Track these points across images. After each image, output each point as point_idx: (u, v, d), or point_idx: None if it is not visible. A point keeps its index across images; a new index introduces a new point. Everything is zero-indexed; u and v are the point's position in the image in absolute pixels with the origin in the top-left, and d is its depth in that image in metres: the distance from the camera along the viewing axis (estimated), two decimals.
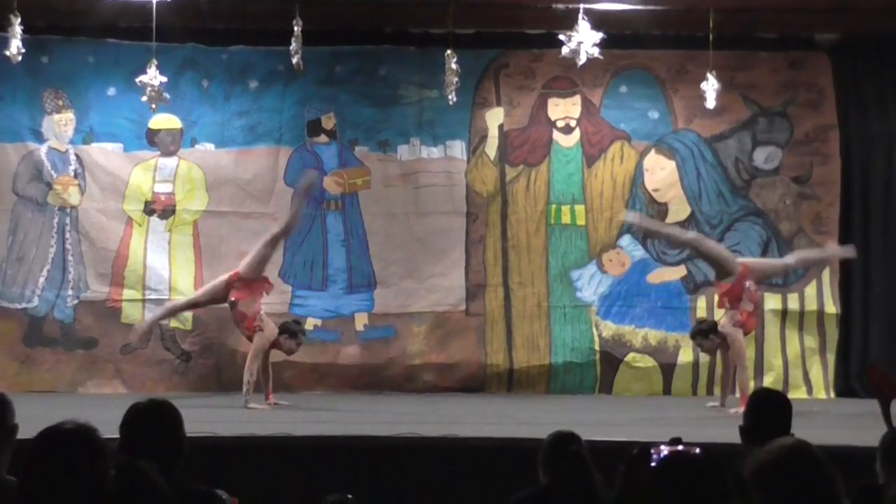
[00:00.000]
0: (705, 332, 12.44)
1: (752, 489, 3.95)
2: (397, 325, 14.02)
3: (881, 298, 14.16)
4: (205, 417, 9.90)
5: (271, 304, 13.82)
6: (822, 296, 13.94)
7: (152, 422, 4.65)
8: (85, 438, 3.80)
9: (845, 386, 13.61)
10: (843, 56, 14.28)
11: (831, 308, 13.93)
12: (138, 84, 12.24)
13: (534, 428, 8.68)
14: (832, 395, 13.75)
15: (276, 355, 12.55)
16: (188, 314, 13.62)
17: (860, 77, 14.32)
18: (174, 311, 13.16)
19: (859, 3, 13.32)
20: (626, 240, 14.17)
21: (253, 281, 12.38)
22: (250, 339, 12.28)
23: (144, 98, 12.23)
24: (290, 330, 12.40)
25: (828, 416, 11.51)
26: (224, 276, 12.54)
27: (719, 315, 12.52)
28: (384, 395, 13.52)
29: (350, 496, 5.43)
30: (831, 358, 13.91)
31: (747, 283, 12.14)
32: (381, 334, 14.02)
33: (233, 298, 12.33)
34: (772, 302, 13.97)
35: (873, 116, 14.35)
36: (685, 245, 13.39)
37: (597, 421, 10.65)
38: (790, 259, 13.03)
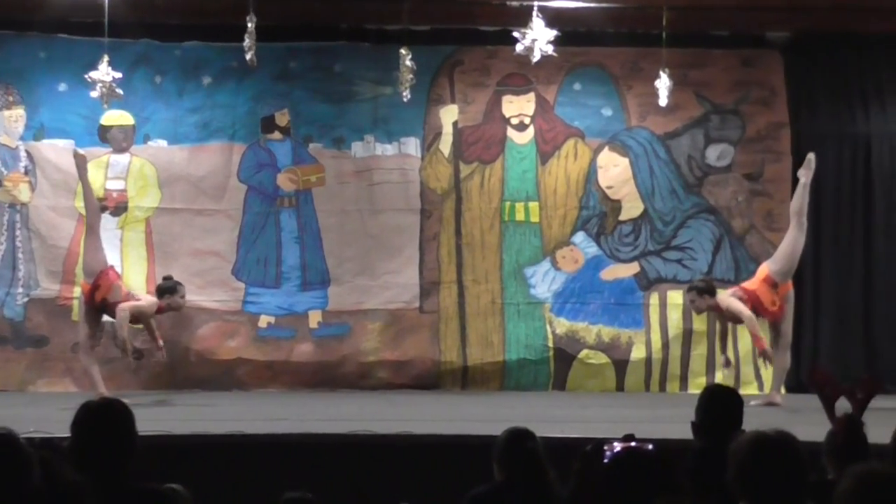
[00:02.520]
0: (701, 290, 12.69)
1: (734, 470, 4.01)
2: (351, 323, 14.01)
3: (831, 295, 14.27)
4: (158, 416, 9.88)
5: (224, 301, 13.82)
6: None
7: (104, 421, 4.62)
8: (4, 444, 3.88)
9: (796, 382, 13.70)
10: (794, 54, 14.38)
11: None
12: (88, 80, 12.15)
13: (488, 425, 8.69)
14: (783, 390, 13.82)
15: (234, 353, 12.49)
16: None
17: (811, 75, 14.43)
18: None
19: (810, 1, 13.42)
20: (579, 237, 14.21)
21: (101, 273, 12.33)
22: (137, 321, 12.42)
23: (95, 94, 12.15)
24: (167, 288, 12.51)
25: (778, 412, 11.60)
26: (82, 298, 12.53)
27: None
28: (338, 393, 13.51)
29: (310, 494, 5.44)
30: None
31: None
32: (335, 331, 14.01)
33: (99, 299, 12.29)
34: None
35: (824, 114, 14.45)
36: None
37: (551, 417, 10.69)
38: (794, 220, 12.77)
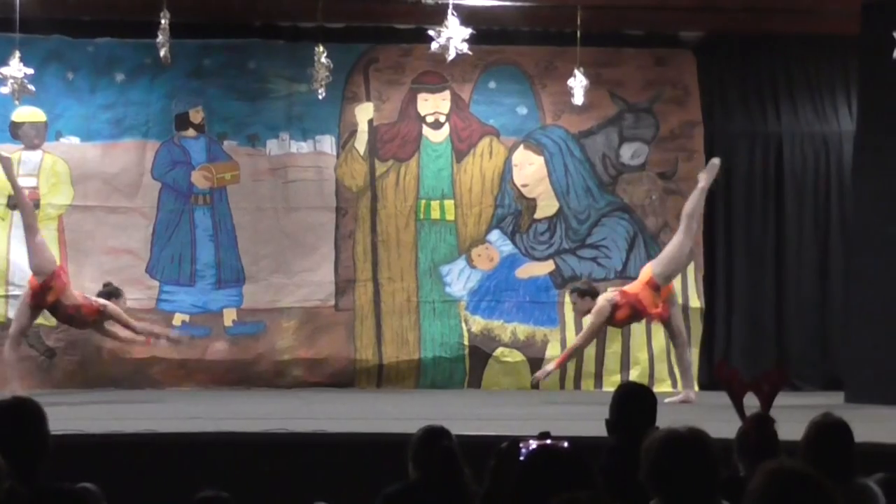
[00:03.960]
0: (582, 292, 12.68)
1: (646, 467, 4.04)
2: (266, 321, 13.94)
3: (743, 293, 14.42)
4: (70, 415, 9.77)
5: (139, 299, 13.70)
6: (687, 290, 14.14)
7: (15, 420, 4.57)
8: None
9: (709, 379, 13.82)
10: (707, 54, 14.52)
11: (696, 302, 14.15)
12: None
13: (403, 423, 8.70)
14: (696, 387, 13.94)
15: (148, 351, 12.43)
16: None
17: (724, 75, 14.58)
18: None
19: (723, 2, 13.55)
20: (494, 235, 14.25)
21: (54, 274, 12.28)
22: (96, 322, 12.52)
23: (6, 90, 12.01)
24: (109, 293, 12.57)
25: (691, 409, 11.70)
26: (24, 293, 12.57)
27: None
28: (253, 391, 13.45)
29: (224, 493, 5.41)
30: (696, 352, 14.12)
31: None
32: (249, 330, 13.94)
33: (52, 300, 12.24)
34: None
35: (736, 114, 14.61)
36: None
37: (466, 415, 10.71)
38: (684, 223, 12.79)
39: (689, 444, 4.07)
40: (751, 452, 5.27)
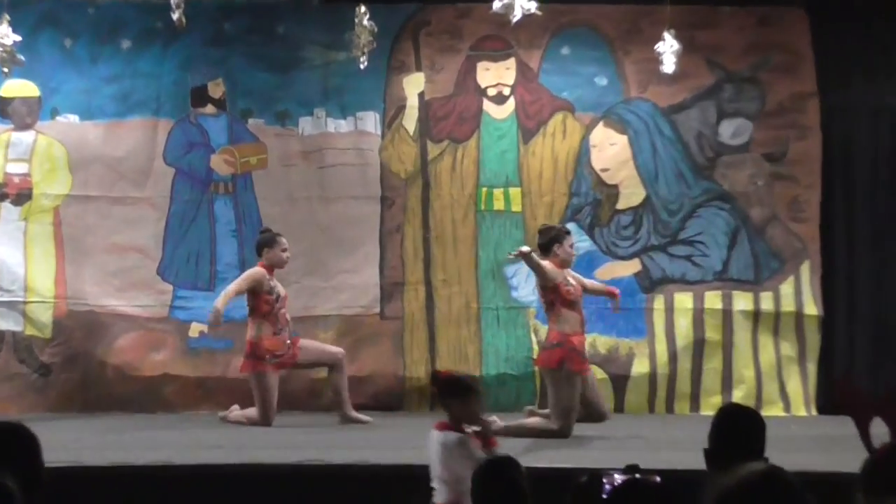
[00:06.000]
0: None
1: None
2: (299, 331, 13.94)
3: (867, 297, 14.28)
4: (68, 443, 9.84)
5: (149, 306, 13.78)
6: (800, 295, 14.06)
7: (5, 449, 4.59)
8: None
9: (829, 401, 13.73)
10: (823, 12, 14.39)
11: (812, 309, 14.05)
12: None
13: None
14: (813, 411, 13.87)
15: (160, 368, 12.47)
16: (48, 320, 13.57)
17: (843, 37, 14.43)
18: None
19: None
20: (570, 228, 14.21)
21: None
22: None
23: None
24: (265, 241, 12.88)
25: (808, 437, 11.62)
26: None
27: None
28: (284, 415, 13.47)
29: None
30: (812, 368, 14.03)
31: None
32: None
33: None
34: (742, 302, 14.07)
35: (858, 83, 14.48)
36: None
37: (538, 444, 10.70)
38: None
39: (761, 490, 4.01)
40: (880, 489, 5.20)
